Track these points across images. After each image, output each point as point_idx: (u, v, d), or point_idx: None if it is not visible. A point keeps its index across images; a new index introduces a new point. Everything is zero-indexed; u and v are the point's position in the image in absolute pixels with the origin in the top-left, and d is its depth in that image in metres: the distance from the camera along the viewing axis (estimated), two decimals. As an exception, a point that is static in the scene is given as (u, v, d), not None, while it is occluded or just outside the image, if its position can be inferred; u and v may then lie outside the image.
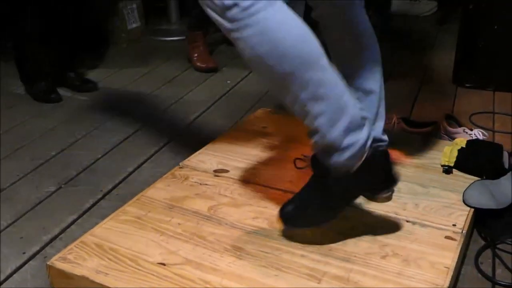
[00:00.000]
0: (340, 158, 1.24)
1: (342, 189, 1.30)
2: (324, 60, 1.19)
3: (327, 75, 1.19)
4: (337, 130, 1.21)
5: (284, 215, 1.36)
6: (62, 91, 2.68)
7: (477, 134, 2.00)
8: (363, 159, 1.25)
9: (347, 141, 1.22)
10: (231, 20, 1.14)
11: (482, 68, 2.59)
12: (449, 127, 2.06)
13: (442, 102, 2.50)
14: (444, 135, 2.07)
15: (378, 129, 1.54)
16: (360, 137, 1.23)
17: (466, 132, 2.01)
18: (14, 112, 2.50)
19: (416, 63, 3.03)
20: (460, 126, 2.08)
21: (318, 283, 1.27)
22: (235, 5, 1.12)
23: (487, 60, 2.57)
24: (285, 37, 1.15)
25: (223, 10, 1.14)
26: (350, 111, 1.22)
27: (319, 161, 1.29)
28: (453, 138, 1.96)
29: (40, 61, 2.62)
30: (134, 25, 3.49)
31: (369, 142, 1.26)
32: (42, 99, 2.61)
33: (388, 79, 2.78)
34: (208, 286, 1.26)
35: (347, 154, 1.23)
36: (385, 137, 1.56)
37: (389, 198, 1.56)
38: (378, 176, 1.31)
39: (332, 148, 1.23)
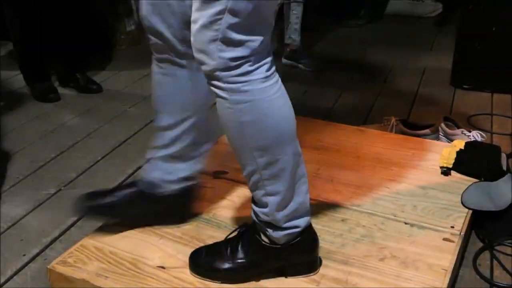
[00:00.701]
0: (277, 234, 1.24)
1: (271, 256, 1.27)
2: (296, 143, 1.19)
3: (295, 159, 1.18)
4: (284, 213, 1.21)
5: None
6: (66, 91, 2.70)
7: (476, 136, 2.01)
8: (299, 237, 1.26)
9: (288, 224, 1.23)
10: (226, 80, 1.08)
11: (480, 69, 2.59)
12: (447, 129, 2.07)
13: (440, 104, 2.51)
14: (443, 137, 2.08)
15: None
16: (302, 223, 1.25)
17: (465, 134, 2.02)
18: (16, 113, 2.51)
19: (414, 65, 3.04)
20: (458, 128, 2.09)
21: (317, 285, 1.27)
22: (237, 68, 1.07)
23: (485, 62, 2.58)
24: (273, 115, 1.13)
25: (224, 68, 1.07)
26: (300, 199, 1.22)
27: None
28: (452, 140, 1.97)
29: (39, 61, 2.64)
30: (132, 27, 3.49)
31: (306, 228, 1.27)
32: (41, 98, 2.62)
33: (385, 81, 2.82)
34: (208, 289, 1.27)
35: (284, 233, 1.24)
36: None
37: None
38: (305, 253, 1.30)
39: (272, 225, 1.23)
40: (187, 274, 1.31)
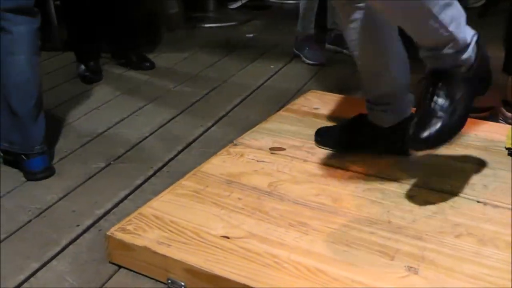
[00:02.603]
0: (467, 54, 1.32)
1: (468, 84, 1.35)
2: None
3: None
4: (465, 29, 1.31)
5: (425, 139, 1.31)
6: (115, 70, 2.72)
7: (538, 119, 1.92)
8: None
9: (470, 37, 1.33)
10: None
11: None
12: (507, 112, 1.99)
13: (494, 90, 2.41)
14: (502, 121, 2.00)
15: None
16: (473, 31, 1.35)
17: (526, 117, 1.93)
18: (58, 91, 2.48)
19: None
20: (518, 111, 2.01)
21: (391, 260, 1.21)
22: None
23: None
24: None
25: None
26: (462, 11, 1.30)
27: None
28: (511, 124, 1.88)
29: (90, 41, 2.66)
30: (172, 11, 3.46)
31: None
32: (82, 78, 2.61)
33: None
34: (276, 260, 1.21)
35: (470, 47, 1.33)
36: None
37: None
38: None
39: (463, 47, 1.31)
40: (252, 244, 1.26)
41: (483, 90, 1.44)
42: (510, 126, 1.84)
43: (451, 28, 1.27)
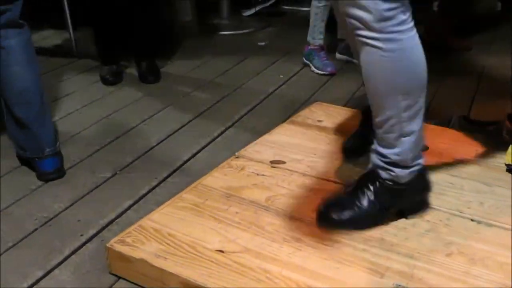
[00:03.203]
0: (403, 173, 1.34)
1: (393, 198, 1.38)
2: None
3: (422, 101, 1.29)
4: (414, 152, 1.33)
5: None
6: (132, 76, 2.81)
7: (542, 135, 1.92)
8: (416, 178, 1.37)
9: (415, 161, 1.34)
10: (380, 30, 1.18)
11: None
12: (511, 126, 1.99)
13: (501, 102, 2.42)
14: (506, 136, 1.99)
15: None
16: (421, 160, 1.37)
17: (531, 133, 1.93)
18: (70, 99, 2.55)
19: (475, 62, 2.95)
20: (523, 126, 2.01)
21: (381, 277, 1.23)
22: (392, 18, 1.17)
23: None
24: (419, 60, 1.26)
25: (377, 20, 1.17)
26: (423, 140, 1.34)
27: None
28: (517, 138, 1.88)
29: (109, 48, 2.78)
30: (186, 19, 3.50)
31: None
32: (102, 80, 2.73)
33: (443, 81, 2.74)
34: (268, 275, 1.24)
35: (410, 170, 1.34)
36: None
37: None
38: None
39: (399, 164, 1.33)
40: (246, 259, 1.29)
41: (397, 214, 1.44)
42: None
43: (404, 140, 1.31)
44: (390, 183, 1.35)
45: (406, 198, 1.39)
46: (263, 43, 3.38)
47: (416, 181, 1.37)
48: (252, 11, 3.90)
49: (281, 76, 2.79)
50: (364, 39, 1.21)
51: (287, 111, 2.31)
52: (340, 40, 3.00)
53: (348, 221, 1.36)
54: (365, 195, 1.36)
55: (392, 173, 1.34)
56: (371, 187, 1.36)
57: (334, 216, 1.36)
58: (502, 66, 2.76)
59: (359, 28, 1.20)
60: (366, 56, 1.24)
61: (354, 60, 2.94)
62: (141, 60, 2.81)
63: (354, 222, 1.36)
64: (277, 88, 2.64)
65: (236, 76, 2.83)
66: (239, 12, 3.91)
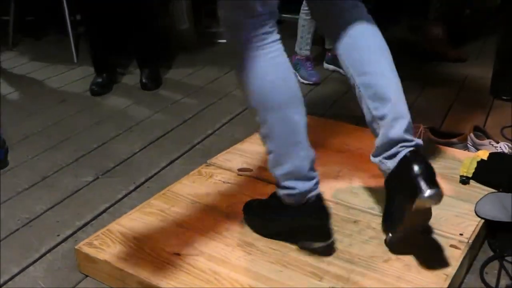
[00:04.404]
0: (278, 191, 1.40)
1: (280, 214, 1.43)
2: (291, 111, 1.31)
3: (287, 125, 1.32)
4: (280, 172, 1.36)
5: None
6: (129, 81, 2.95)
7: (503, 147, 2.01)
8: (303, 202, 1.36)
9: (286, 183, 1.36)
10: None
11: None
12: (476, 138, 2.08)
13: (476, 113, 2.51)
14: (471, 147, 2.09)
15: (397, 129, 1.41)
16: (300, 186, 1.35)
17: (492, 145, 2.02)
18: (67, 105, 2.69)
19: (456, 73, 3.03)
20: (488, 138, 2.10)
21: (319, 280, 1.34)
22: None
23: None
24: (256, 82, 1.30)
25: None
26: (297, 163, 1.34)
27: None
28: (479, 150, 1.98)
29: (99, 54, 2.90)
30: (183, 27, 3.62)
31: (311, 194, 1.36)
32: (90, 90, 2.84)
33: (425, 88, 2.83)
34: (217, 277, 1.36)
35: (284, 192, 1.37)
36: (409, 137, 1.41)
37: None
38: (312, 223, 1.40)
39: (275, 180, 1.39)
40: (199, 261, 1.41)
41: None
42: (469, 153, 1.93)
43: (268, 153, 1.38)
44: (277, 199, 1.41)
45: (294, 219, 1.40)
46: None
47: (304, 206, 1.37)
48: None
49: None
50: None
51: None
52: (328, 50, 3.11)
53: (257, 225, 1.50)
54: (267, 204, 1.49)
55: (279, 190, 1.40)
56: (272, 197, 1.46)
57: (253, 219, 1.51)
58: (483, 77, 2.84)
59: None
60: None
61: (341, 70, 3.04)
62: (143, 67, 2.94)
63: (260, 226, 1.49)
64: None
65: (226, 83, 2.95)
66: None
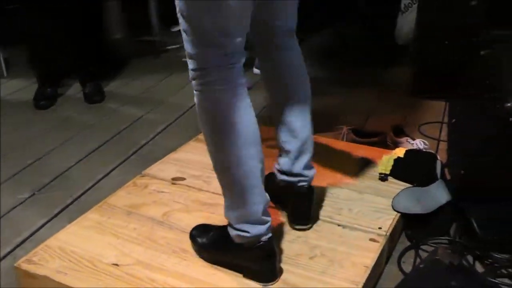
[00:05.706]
0: (230, 231, 1.42)
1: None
2: (239, 156, 1.31)
3: (236, 170, 1.33)
4: (233, 215, 1.40)
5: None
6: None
7: (419, 143, 2.17)
8: (255, 245, 1.39)
9: (239, 226, 1.39)
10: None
11: (435, 80, 2.74)
12: (395, 137, 2.24)
13: (397, 113, 2.66)
14: (391, 145, 2.24)
15: (299, 164, 1.61)
16: (252, 230, 1.38)
17: (409, 142, 2.18)
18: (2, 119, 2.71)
19: (377, 76, 3.19)
20: (406, 136, 2.26)
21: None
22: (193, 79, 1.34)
23: (439, 72, 2.73)
24: (206, 120, 1.35)
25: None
26: (248, 209, 1.36)
27: None
28: (397, 147, 2.13)
29: (41, 68, 2.91)
30: (117, 36, 3.65)
31: (263, 238, 1.39)
32: (34, 103, 2.85)
33: (348, 91, 2.97)
34: (154, 284, 1.43)
35: (235, 233, 1.40)
36: (308, 173, 1.62)
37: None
38: (258, 263, 1.43)
39: (228, 220, 1.43)
40: (137, 270, 1.48)
41: None
42: (387, 152, 2.08)
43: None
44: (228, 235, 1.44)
45: (240, 259, 1.43)
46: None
47: (252, 250, 1.40)
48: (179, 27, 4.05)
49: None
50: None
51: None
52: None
53: (200, 245, 1.53)
54: (215, 232, 1.52)
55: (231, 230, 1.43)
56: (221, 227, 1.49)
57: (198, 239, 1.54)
58: (403, 79, 3.01)
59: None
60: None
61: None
62: (85, 81, 2.96)
63: (201, 248, 1.53)
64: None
65: (162, 92, 3.01)
66: (168, 28, 4.08)
